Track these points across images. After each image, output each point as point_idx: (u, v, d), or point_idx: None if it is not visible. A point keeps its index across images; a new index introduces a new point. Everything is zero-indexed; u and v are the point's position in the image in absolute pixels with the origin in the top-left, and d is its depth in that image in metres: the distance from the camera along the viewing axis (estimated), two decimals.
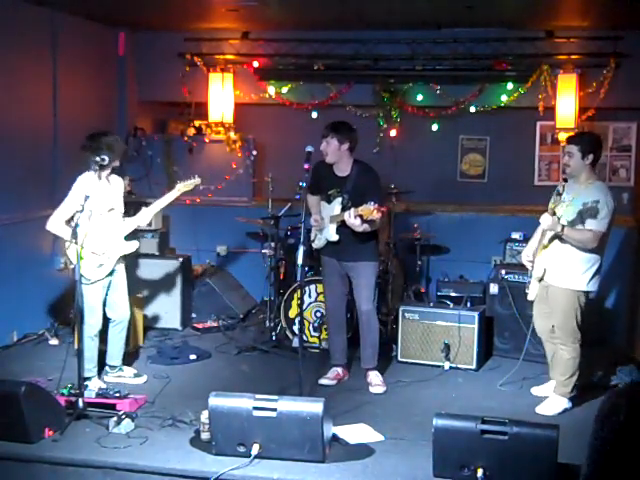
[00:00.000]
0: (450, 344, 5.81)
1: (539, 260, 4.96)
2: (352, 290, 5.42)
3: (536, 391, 5.32)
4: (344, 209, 5.16)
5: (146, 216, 5.37)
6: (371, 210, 4.77)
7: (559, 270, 4.91)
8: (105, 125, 7.43)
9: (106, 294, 5.24)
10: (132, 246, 5.32)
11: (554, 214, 4.78)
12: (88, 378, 5.11)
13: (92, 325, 5.13)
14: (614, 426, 1.38)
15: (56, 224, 5.06)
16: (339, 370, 5.50)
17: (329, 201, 5.38)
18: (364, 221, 4.96)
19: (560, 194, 4.86)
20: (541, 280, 4.99)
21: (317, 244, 5.54)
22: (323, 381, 5.40)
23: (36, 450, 4.13)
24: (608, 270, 6.71)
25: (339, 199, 5.26)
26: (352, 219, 4.96)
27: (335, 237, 5.30)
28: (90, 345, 5.16)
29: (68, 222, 4.96)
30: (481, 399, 5.18)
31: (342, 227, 5.20)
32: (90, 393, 4.67)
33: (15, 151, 6.21)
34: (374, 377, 5.38)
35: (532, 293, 5.08)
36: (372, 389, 5.29)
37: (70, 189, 5.13)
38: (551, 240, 4.91)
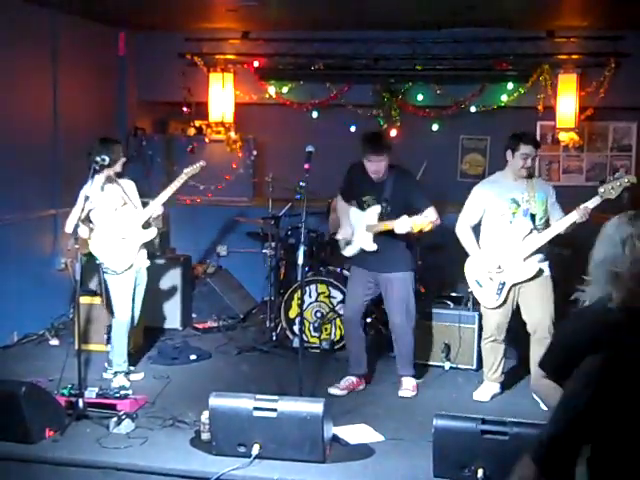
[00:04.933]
0: (450, 344, 5.81)
1: (530, 262, 4.90)
2: (383, 300, 5.28)
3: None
4: (382, 217, 4.97)
5: (157, 204, 5.45)
6: (426, 224, 4.62)
7: (543, 260, 4.98)
8: (105, 125, 7.46)
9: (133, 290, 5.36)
10: (151, 233, 5.46)
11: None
12: (115, 373, 5.26)
13: (122, 318, 5.28)
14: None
15: (72, 224, 5.10)
16: (353, 379, 5.31)
17: (362, 208, 5.11)
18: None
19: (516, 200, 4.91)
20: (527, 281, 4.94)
21: (348, 252, 5.26)
22: (333, 390, 5.17)
23: (37, 450, 4.14)
24: None
25: (376, 207, 4.98)
26: (403, 230, 4.72)
27: (373, 247, 5.02)
28: (119, 338, 5.29)
29: (84, 221, 5.15)
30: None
31: (379, 235, 4.98)
32: (90, 393, 4.67)
33: (15, 151, 6.21)
34: (405, 382, 5.26)
35: (501, 299, 5.00)
36: (400, 392, 5.21)
37: (73, 189, 5.23)
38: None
